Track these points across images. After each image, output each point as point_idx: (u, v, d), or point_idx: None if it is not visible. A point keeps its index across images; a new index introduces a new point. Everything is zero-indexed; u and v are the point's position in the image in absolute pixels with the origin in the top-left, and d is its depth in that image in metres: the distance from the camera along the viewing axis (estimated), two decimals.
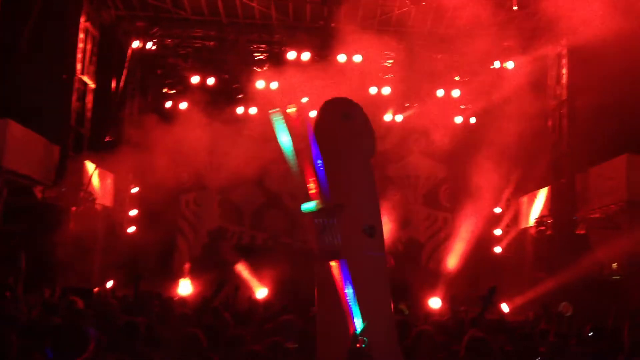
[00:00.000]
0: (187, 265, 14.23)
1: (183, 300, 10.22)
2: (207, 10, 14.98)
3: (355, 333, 5.39)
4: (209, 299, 7.82)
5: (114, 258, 12.99)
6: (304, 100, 15.69)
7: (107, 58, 15.17)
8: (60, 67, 13.57)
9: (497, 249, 15.00)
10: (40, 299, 8.59)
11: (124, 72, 15.45)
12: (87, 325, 5.11)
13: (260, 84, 15.47)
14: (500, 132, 15.08)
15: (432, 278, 13.81)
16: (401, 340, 6.34)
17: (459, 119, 16.72)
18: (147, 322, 6.20)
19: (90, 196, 13.21)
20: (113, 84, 15.46)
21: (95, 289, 10.82)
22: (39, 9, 12.37)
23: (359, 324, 5.47)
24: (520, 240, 15.06)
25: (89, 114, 14.40)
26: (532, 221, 14.86)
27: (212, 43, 15.89)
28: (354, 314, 5.52)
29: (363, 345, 5.24)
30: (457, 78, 16.15)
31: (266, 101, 15.58)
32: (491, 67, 15.36)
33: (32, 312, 7.22)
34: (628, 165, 12.29)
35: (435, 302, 11.13)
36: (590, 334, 7.53)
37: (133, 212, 15.43)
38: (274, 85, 15.27)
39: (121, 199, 15.31)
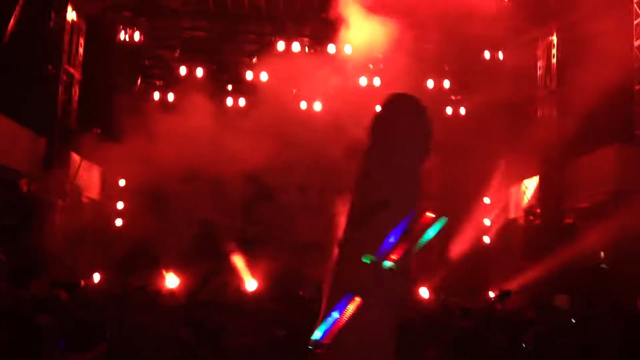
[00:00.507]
0: (175, 258, 14.16)
1: (171, 293, 10.17)
2: (195, 0, 14.85)
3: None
4: (195, 291, 7.78)
5: (102, 251, 12.91)
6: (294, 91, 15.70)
7: (94, 49, 15.01)
8: (46, 59, 13.41)
9: (486, 239, 15.02)
10: (28, 293, 8.52)
11: (111, 64, 15.32)
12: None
13: (249, 75, 15.38)
14: (491, 122, 15.10)
15: (421, 268, 13.82)
16: None
17: (449, 110, 16.70)
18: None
19: (76, 189, 13.11)
20: (100, 76, 15.31)
21: (82, 282, 10.74)
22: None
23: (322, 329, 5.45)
24: (509, 230, 15.10)
25: (75, 106, 14.27)
26: (521, 211, 14.90)
27: (200, 34, 15.77)
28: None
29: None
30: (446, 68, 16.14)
31: (256, 92, 15.53)
32: (481, 57, 15.37)
33: (21, 306, 7.16)
34: (617, 155, 12.31)
35: (423, 292, 11.15)
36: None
37: (120, 205, 15.32)
38: (264, 76, 15.18)
39: (109, 192, 15.20)
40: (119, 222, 15.06)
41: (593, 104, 12.01)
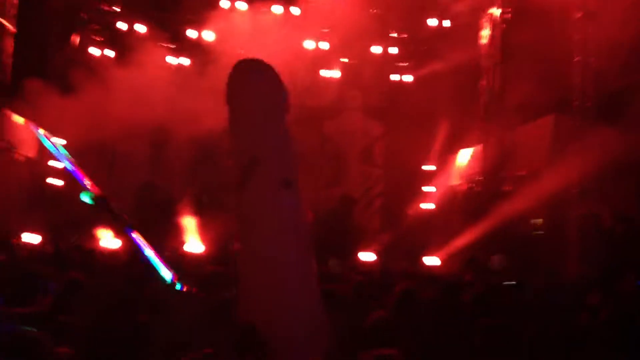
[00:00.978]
0: (117, 219, 13.81)
1: (111, 253, 9.98)
2: None
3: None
4: (136, 252, 7.62)
5: (39, 211, 12.51)
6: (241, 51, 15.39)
7: (30, 1, 14.26)
8: None
9: (428, 205, 15.31)
10: None
11: (48, 16, 14.61)
12: None
13: (193, 34, 14.98)
14: (434, 90, 15.28)
15: (364, 234, 13.99)
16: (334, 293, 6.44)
17: (395, 77, 16.78)
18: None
19: (10, 146, 12.58)
20: (36, 29, 14.59)
21: (16, 240, 10.40)
22: None
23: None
24: (449, 197, 15.42)
25: (8, 60, 13.58)
26: (461, 178, 15.24)
27: None
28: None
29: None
30: (394, 34, 16.16)
31: (199, 52, 15.16)
32: (428, 24, 15.45)
33: None
34: (554, 125, 12.66)
35: (366, 256, 11.31)
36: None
37: (57, 164, 14.80)
38: (208, 35, 14.83)
39: (46, 151, 14.61)
40: (56, 181, 14.55)
41: (535, 75, 12.28)
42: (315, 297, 6.11)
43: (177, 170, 16.71)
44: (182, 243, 11.69)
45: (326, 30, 15.73)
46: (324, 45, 15.68)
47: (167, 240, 10.75)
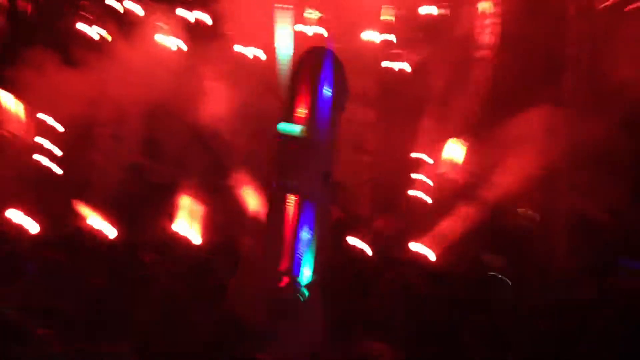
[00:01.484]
0: (102, 201, 13.69)
1: (94, 235, 9.88)
2: None
3: (294, 279, 5.46)
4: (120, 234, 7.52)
5: (22, 188, 12.35)
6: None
7: None
8: None
9: (418, 193, 15.29)
10: None
11: None
12: None
13: (182, 12, 14.85)
14: (426, 78, 15.23)
15: (354, 221, 13.94)
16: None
17: (387, 64, 16.66)
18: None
19: None
20: (20, 3, 14.37)
21: None
22: None
23: (304, 273, 5.57)
24: (439, 186, 15.42)
25: None
26: (451, 167, 15.22)
27: None
28: (301, 261, 5.65)
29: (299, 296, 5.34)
30: (387, 19, 16.05)
31: (190, 31, 14.99)
32: (424, 13, 15.35)
33: None
34: (544, 118, 12.66)
35: (354, 242, 11.29)
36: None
37: (42, 141, 14.61)
38: (199, 15, 14.71)
39: (30, 127, 14.44)
40: (41, 158, 14.38)
41: (528, 67, 12.29)
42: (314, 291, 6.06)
43: (167, 151, 16.55)
44: (171, 225, 11.63)
45: (317, 16, 15.60)
46: (317, 30, 15.55)
47: (156, 222, 10.65)
